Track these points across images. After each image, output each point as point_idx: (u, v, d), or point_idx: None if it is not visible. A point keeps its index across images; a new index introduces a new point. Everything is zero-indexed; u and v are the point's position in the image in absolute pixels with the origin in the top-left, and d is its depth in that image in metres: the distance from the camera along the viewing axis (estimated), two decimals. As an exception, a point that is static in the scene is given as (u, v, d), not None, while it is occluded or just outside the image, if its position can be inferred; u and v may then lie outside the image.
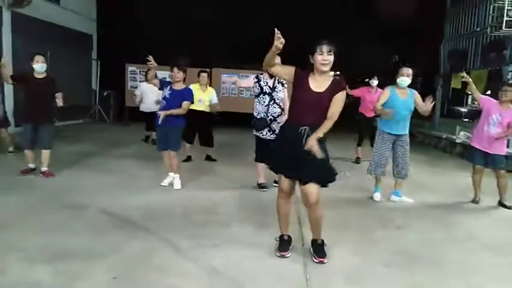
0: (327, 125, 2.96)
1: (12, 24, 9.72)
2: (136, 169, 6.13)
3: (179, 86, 5.02)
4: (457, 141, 9.75)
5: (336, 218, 4.21)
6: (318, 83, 3.00)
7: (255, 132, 5.15)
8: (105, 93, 13.13)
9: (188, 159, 6.84)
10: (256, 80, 5.05)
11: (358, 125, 7.82)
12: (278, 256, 3.18)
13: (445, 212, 4.76)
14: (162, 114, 4.84)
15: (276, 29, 2.75)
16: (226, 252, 3.23)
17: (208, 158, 7.10)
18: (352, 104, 8.03)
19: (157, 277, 2.79)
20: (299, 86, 3.03)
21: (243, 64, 12.76)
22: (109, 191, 4.87)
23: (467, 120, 11.25)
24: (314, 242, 3.25)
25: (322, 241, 3.23)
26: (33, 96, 5.13)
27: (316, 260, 3.13)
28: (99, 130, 11.04)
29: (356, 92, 7.63)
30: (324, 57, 2.92)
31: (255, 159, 5.23)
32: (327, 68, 2.95)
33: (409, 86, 4.83)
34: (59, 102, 5.18)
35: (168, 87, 5.01)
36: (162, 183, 5.20)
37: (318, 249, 3.19)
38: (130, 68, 12.80)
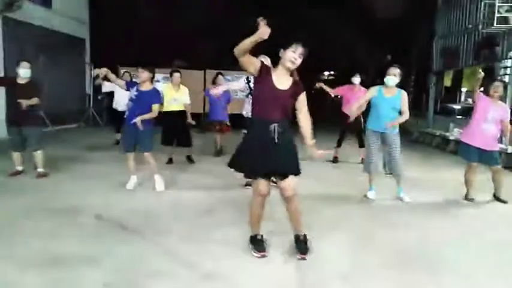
0: (309, 125, 3.05)
1: (3, 29, 9.66)
2: (126, 173, 6.00)
3: (146, 87, 4.85)
4: (451, 138, 9.81)
5: (330, 218, 4.22)
6: (281, 80, 2.97)
7: (245, 131, 5.15)
8: (99, 97, 13.06)
9: (170, 161, 6.79)
10: (246, 81, 5.11)
11: (340, 126, 7.56)
12: (258, 257, 3.14)
13: (440, 210, 4.72)
14: (137, 121, 4.63)
15: (260, 18, 2.64)
16: (220, 255, 3.19)
17: (189, 158, 6.94)
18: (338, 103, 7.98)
19: (150, 282, 2.75)
20: (263, 81, 2.97)
21: (236, 65, 12.76)
22: (98, 195, 4.80)
23: (460, 117, 11.30)
24: (297, 238, 3.23)
25: (305, 236, 3.22)
26: (15, 100, 5.24)
27: (298, 257, 3.11)
28: (91, 133, 10.98)
29: (339, 90, 7.55)
30: (295, 56, 2.90)
31: None
32: (293, 67, 2.94)
33: (401, 86, 4.83)
34: (23, 104, 5.15)
35: (135, 88, 4.85)
36: (127, 187, 5.04)
37: (301, 245, 3.18)
38: (124, 70, 12.74)
